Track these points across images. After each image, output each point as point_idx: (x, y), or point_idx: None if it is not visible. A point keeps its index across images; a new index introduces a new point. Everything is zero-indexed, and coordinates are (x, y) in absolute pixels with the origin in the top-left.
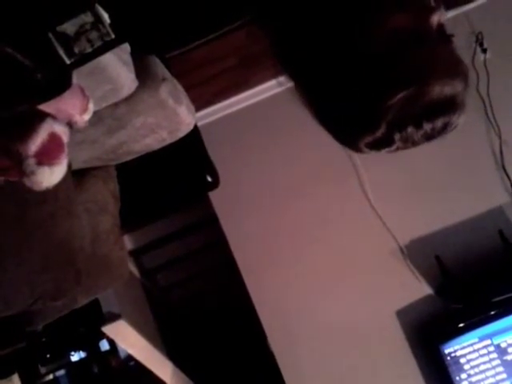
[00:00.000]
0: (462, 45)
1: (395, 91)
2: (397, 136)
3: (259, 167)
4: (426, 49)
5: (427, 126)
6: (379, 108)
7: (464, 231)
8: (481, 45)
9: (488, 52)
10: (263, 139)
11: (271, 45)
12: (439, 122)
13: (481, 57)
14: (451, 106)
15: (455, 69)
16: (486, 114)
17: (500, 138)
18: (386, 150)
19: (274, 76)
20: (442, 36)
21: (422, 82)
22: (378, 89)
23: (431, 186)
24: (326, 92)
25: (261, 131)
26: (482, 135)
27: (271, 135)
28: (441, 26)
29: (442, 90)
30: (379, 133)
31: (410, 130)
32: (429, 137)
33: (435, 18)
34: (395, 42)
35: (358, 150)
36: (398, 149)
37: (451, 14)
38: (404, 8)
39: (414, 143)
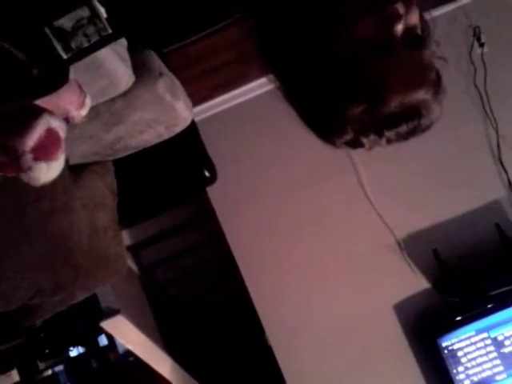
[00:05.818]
0: (459, 38)
1: (354, 104)
2: (364, 140)
3: (257, 162)
4: (387, 61)
5: (389, 134)
6: (343, 116)
7: (461, 225)
8: (478, 39)
9: (485, 46)
10: (261, 134)
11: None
12: (403, 129)
13: (478, 50)
14: (415, 113)
15: (420, 78)
16: (484, 107)
17: (497, 131)
18: (361, 149)
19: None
20: (411, 42)
21: (379, 98)
22: (341, 98)
23: (428, 181)
24: (304, 91)
25: (259, 126)
26: (479, 129)
27: (269, 130)
28: (410, 30)
29: (401, 101)
30: (348, 137)
31: (372, 137)
32: (396, 140)
33: (399, 27)
34: (356, 53)
35: (336, 147)
36: (371, 148)
37: (449, 7)
38: (370, 14)
39: (386, 144)
